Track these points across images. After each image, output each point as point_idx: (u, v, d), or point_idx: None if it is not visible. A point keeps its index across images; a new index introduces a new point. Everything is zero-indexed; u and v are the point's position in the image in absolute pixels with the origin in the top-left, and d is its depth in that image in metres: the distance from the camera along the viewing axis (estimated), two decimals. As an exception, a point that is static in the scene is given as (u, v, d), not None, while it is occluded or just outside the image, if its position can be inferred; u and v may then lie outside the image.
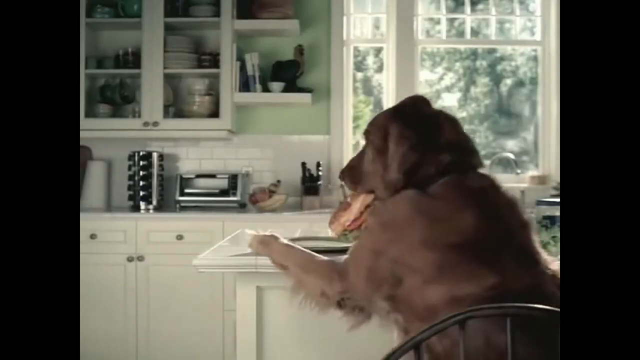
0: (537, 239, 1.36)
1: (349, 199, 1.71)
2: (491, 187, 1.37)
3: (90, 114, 3.87)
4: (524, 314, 1.08)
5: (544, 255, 1.33)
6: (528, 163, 4.29)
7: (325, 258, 1.48)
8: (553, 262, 1.32)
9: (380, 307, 1.37)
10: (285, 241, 1.61)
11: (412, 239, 1.30)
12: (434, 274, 1.27)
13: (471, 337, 1.13)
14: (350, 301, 1.42)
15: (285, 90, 3.90)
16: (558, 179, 4.06)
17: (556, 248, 1.82)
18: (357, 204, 1.65)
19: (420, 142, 1.37)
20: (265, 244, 1.60)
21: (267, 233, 1.67)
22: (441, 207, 1.32)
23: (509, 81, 4.38)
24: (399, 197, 1.37)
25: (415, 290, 1.29)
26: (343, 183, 1.57)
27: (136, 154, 3.82)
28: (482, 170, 1.43)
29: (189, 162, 4.12)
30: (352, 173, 1.54)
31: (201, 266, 1.74)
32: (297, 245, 1.61)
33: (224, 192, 3.84)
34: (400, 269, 1.31)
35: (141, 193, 3.78)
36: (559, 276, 1.25)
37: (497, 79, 4.36)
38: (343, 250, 1.83)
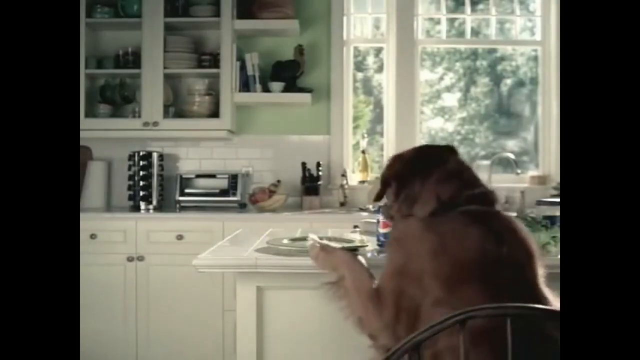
0: (540, 267, 1.36)
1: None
2: (497, 216, 1.42)
3: (90, 114, 3.87)
4: (525, 314, 1.08)
5: (546, 292, 1.33)
6: (528, 163, 4.29)
7: (373, 285, 1.49)
8: (553, 299, 1.32)
9: (397, 333, 1.38)
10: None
11: (424, 252, 1.36)
12: (442, 294, 1.30)
13: None
14: (380, 340, 1.43)
15: (285, 90, 3.90)
16: (558, 179, 4.06)
17: (556, 248, 1.82)
18: None
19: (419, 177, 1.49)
20: (329, 251, 1.65)
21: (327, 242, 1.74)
22: (449, 225, 1.39)
23: (509, 81, 4.38)
24: (410, 219, 1.48)
25: (424, 310, 1.32)
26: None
27: (136, 154, 3.82)
28: (495, 205, 1.48)
29: (189, 162, 4.12)
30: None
31: (201, 266, 1.75)
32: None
33: (224, 192, 3.84)
34: (417, 290, 1.34)
35: (141, 193, 3.78)
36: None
37: (497, 79, 4.36)
38: (350, 249, 1.83)
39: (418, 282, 1.34)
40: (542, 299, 1.30)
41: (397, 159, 1.59)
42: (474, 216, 1.39)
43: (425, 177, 1.49)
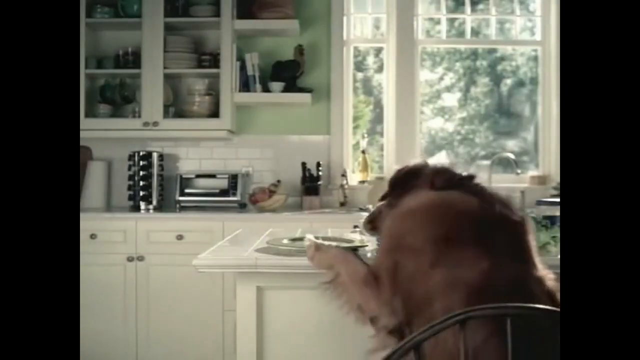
0: (533, 239, 1.37)
1: None
2: (485, 188, 1.47)
3: (90, 114, 3.88)
4: (525, 314, 1.08)
5: (536, 256, 1.36)
6: (528, 163, 4.29)
7: (366, 271, 1.52)
8: (543, 268, 1.34)
9: (395, 309, 1.39)
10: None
11: (419, 218, 1.41)
12: (437, 257, 1.33)
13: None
14: (380, 321, 1.45)
15: (285, 90, 3.90)
16: (558, 179, 4.06)
17: (556, 248, 1.82)
18: None
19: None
20: (324, 250, 1.68)
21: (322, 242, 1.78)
22: (445, 193, 1.45)
23: (509, 81, 4.38)
24: (404, 199, 1.52)
25: (421, 274, 1.34)
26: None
27: (136, 154, 3.82)
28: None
29: (189, 162, 4.12)
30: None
31: (201, 266, 1.74)
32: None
33: (224, 192, 3.84)
34: (411, 260, 1.36)
35: (141, 193, 3.78)
36: (546, 283, 1.30)
37: (497, 79, 4.36)
38: (351, 249, 1.83)
39: (412, 251, 1.37)
40: (533, 265, 1.33)
41: (403, 168, 1.66)
42: (468, 189, 1.45)
43: (420, 171, 1.55)
